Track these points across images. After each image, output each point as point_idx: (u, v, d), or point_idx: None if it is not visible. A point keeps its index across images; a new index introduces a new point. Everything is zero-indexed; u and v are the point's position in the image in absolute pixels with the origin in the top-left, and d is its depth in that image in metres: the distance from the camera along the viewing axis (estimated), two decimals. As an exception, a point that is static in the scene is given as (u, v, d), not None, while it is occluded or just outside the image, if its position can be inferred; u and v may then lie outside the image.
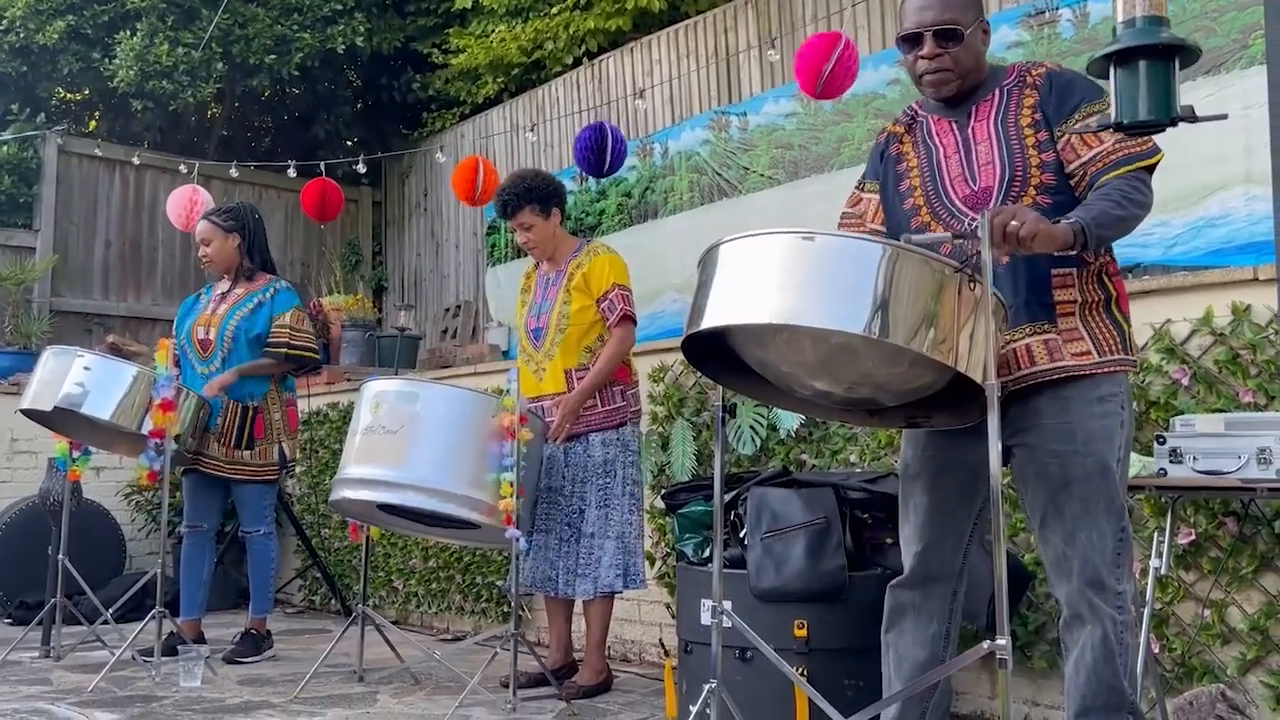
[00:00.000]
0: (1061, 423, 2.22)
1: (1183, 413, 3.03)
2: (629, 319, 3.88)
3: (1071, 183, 2.25)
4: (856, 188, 2.56)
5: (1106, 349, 2.24)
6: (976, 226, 1.98)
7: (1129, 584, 2.24)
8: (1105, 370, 2.23)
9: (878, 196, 2.48)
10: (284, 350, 4.61)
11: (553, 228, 3.96)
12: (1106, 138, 2.19)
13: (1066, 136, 2.23)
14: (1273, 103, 1.39)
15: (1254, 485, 2.61)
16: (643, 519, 3.98)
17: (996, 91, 2.34)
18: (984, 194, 2.27)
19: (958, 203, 2.30)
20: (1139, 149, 2.18)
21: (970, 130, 2.33)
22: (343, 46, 7.94)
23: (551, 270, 3.99)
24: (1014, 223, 1.97)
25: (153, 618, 4.08)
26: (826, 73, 4.42)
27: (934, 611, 2.41)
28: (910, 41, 2.33)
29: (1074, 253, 2.08)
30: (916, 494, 2.40)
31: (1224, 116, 1.71)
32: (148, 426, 4.11)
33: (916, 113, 2.46)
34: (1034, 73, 2.34)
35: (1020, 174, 2.25)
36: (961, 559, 2.40)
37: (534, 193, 3.90)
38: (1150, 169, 2.20)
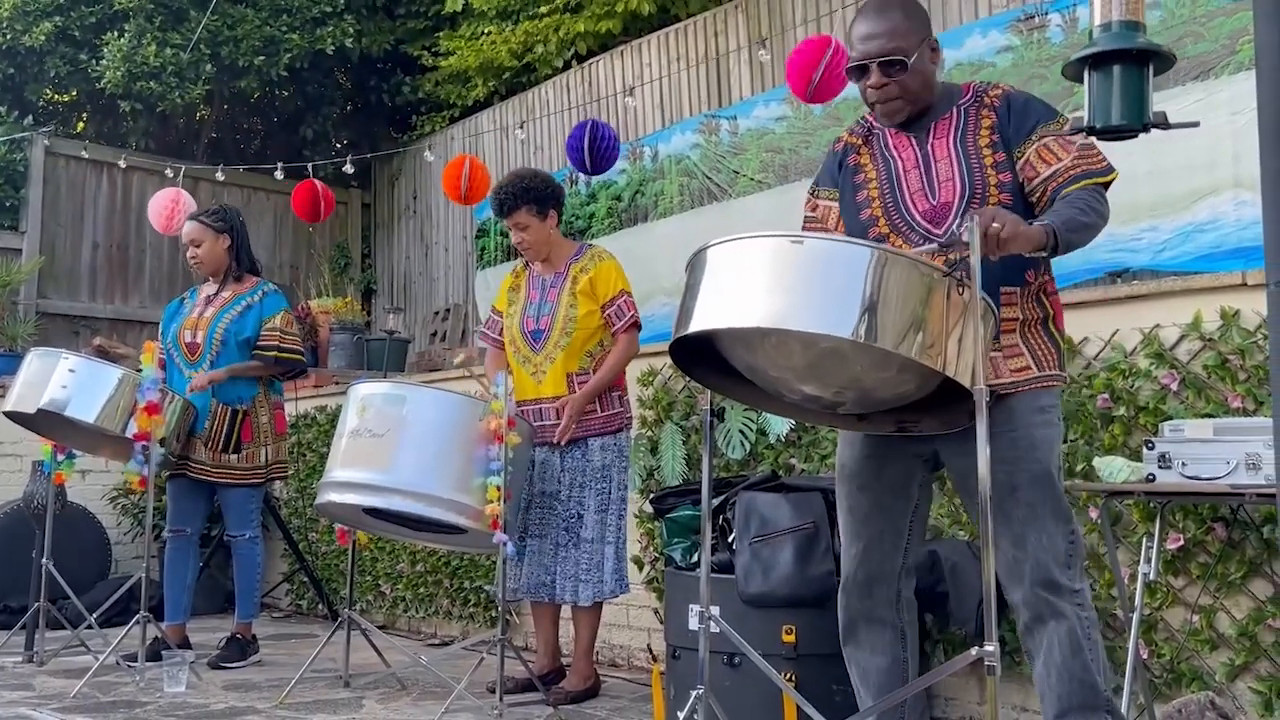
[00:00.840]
0: (1006, 431, 2.27)
1: (1171, 418, 3.02)
2: (636, 326, 3.88)
3: (1032, 200, 2.30)
4: (810, 194, 2.58)
5: (1045, 364, 2.32)
6: (965, 231, 1.98)
7: (1083, 583, 2.29)
8: (1043, 385, 2.31)
9: (836, 205, 2.50)
10: (274, 353, 4.59)
11: (549, 229, 3.93)
12: (1064, 156, 2.26)
13: (1025, 155, 2.29)
14: (1261, 107, 1.38)
15: (1243, 491, 2.61)
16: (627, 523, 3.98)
17: (954, 110, 2.39)
18: (943, 209, 2.32)
19: (917, 216, 2.34)
20: (1096, 166, 2.26)
21: (930, 146, 2.37)
22: (332, 48, 7.92)
23: (548, 272, 3.96)
24: (995, 224, 2.00)
25: (137, 622, 4.05)
26: (817, 79, 4.42)
27: (883, 615, 2.46)
28: (857, 72, 2.36)
29: (1044, 254, 2.14)
30: (853, 494, 2.45)
31: (1195, 124, 1.70)
32: (132, 429, 4.08)
33: (872, 125, 2.49)
34: (991, 94, 2.38)
35: (980, 192, 2.29)
36: (901, 558, 2.45)
37: (531, 193, 3.87)
38: (1106, 185, 2.27)
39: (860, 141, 2.48)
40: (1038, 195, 2.28)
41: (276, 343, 4.60)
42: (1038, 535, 2.24)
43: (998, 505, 2.25)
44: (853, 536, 2.45)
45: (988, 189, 2.29)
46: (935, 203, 2.33)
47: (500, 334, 4.05)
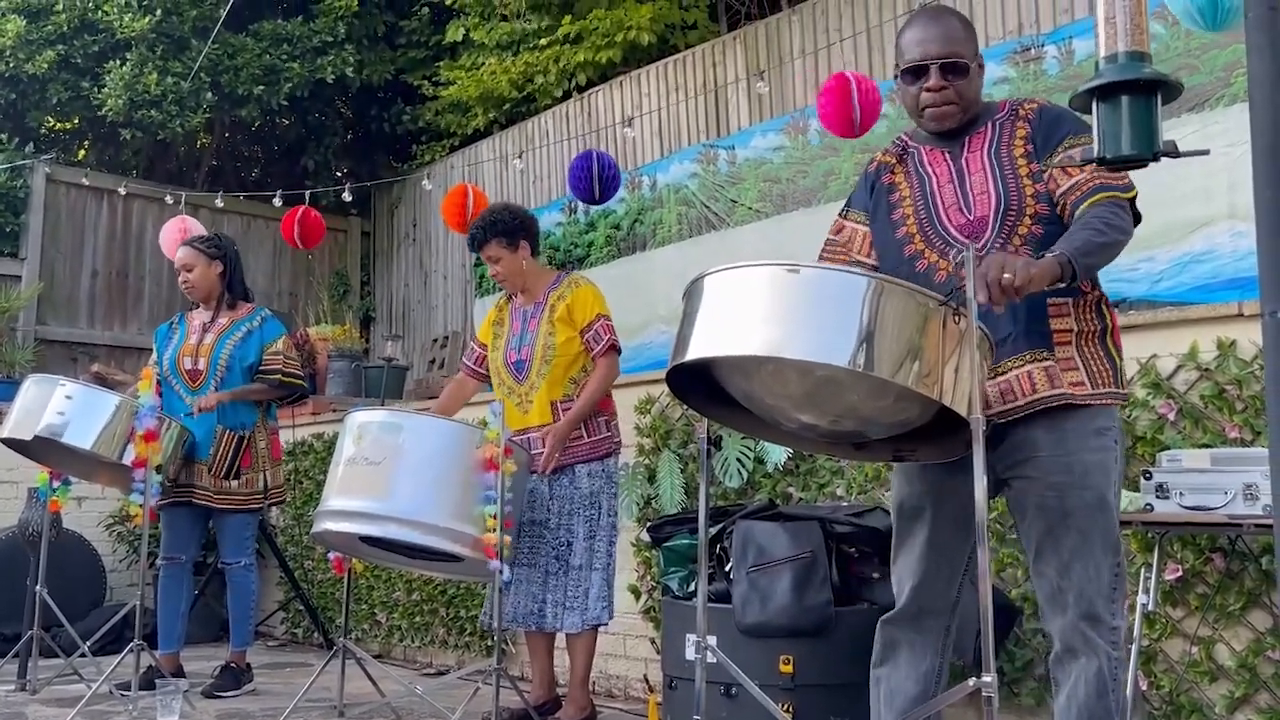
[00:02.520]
0: (1059, 455, 2.20)
1: (1169, 448, 3.02)
2: (615, 349, 3.89)
3: (1056, 210, 2.26)
4: (840, 215, 2.55)
5: (1100, 381, 2.24)
6: (962, 261, 1.98)
7: (1123, 620, 2.23)
8: (1100, 402, 2.23)
9: (865, 227, 2.48)
10: (278, 377, 4.61)
11: (521, 260, 3.97)
12: (1084, 169, 2.21)
13: (1049, 170, 2.25)
14: (1255, 137, 1.39)
15: (1241, 521, 2.60)
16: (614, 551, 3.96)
17: (989, 125, 2.36)
18: (979, 222, 2.28)
19: (952, 230, 2.30)
20: (1115, 182, 2.20)
21: (964, 160, 2.34)
22: (332, 77, 7.97)
23: (528, 303, 3.99)
24: (1006, 275, 1.96)
25: (130, 651, 4.02)
26: (859, 114, 4.47)
27: (927, 647, 2.39)
28: (914, 74, 2.33)
29: (1063, 285, 2.08)
30: (913, 530, 2.37)
31: (1206, 152, 1.72)
32: (129, 456, 4.07)
33: (907, 143, 2.46)
34: (1026, 106, 2.36)
35: (1016, 203, 2.26)
36: (955, 593, 2.38)
37: (499, 225, 3.92)
38: (1127, 201, 2.21)
39: (895, 160, 2.46)
40: (1059, 208, 2.25)
41: (280, 366, 4.63)
42: (1084, 566, 2.18)
43: (1048, 531, 2.21)
44: (909, 571, 2.38)
45: (1024, 200, 2.25)
46: (971, 216, 2.29)
47: (476, 363, 4.09)
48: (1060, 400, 2.21)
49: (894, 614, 2.42)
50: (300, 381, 4.72)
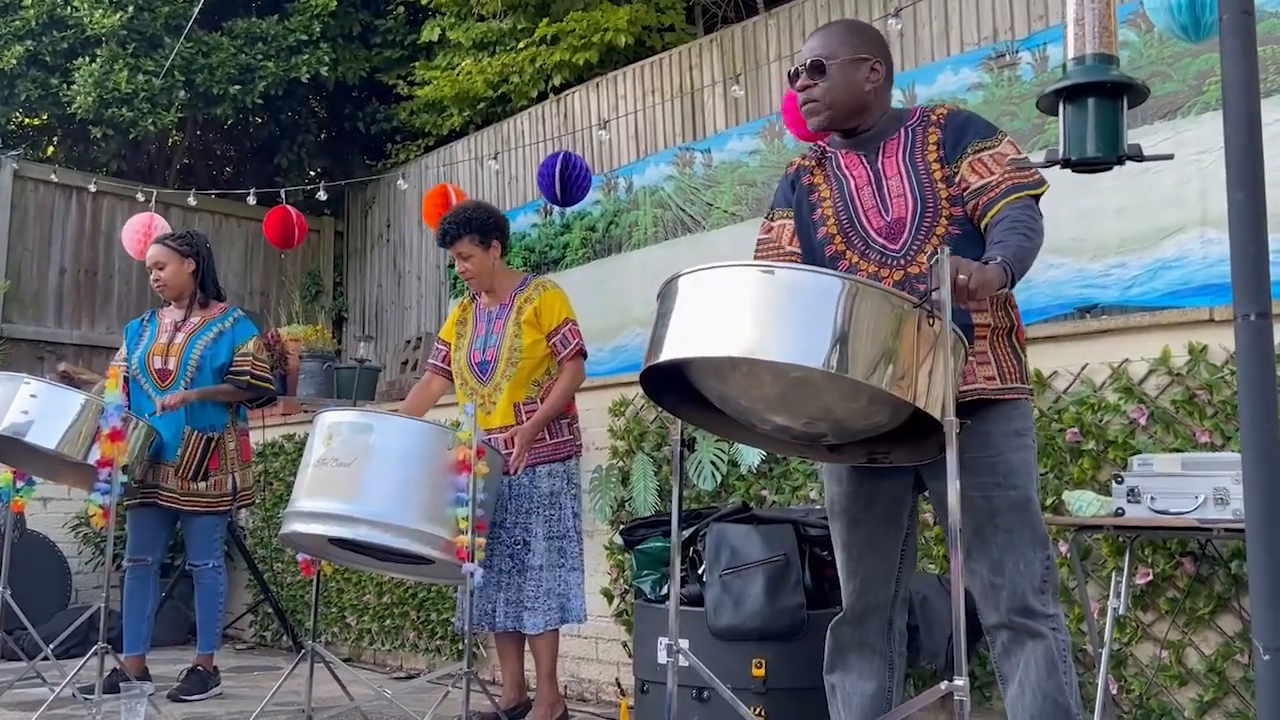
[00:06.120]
0: (983, 456, 2.26)
1: (1140, 452, 3.03)
2: (581, 353, 3.89)
3: (966, 209, 2.32)
4: (765, 218, 2.61)
5: (1009, 375, 2.30)
6: (937, 261, 1.97)
7: (1057, 608, 2.28)
8: (1010, 396, 2.29)
9: (791, 222, 2.52)
10: (247, 378, 4.56)
11: (492, 259, 3.96)
12: (995, 169, 2.28)
13: (959, 169, 2.32)
14: (1228, 140, 1.39)
15: (1211, 525, 2.62)
16: (583, 551, 3.95)
17: (902, 131, 2.42)
18: (897, 224, 2.34)
19: (871, 232, 2.36)
20: (1026, 179, 2.26)
21: (880, 165, 2.40)
22: (307, 76, 7.91)
23: (494, 304, 3.98)
24: (961, 277, 2.00)
25: (94, 654, 3.96)
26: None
27: (874, 644, 2.44)
28: (792, 79, 2.47)
29: (1005, 290, 2.13)
30: (846, 530, 2.44)
31: (1170, 156, 1.73)
32: (95, 456, 4.01)
33: (825, 149, 2.53)
34: (936, 113, 2.43)
35: (931, 206, 2.32)
36: (895, 587, 2.43)
37: (473, 223, 3.90)
38: (1037, 198, 2.27)
39: (813, 164, 2.52)
40: (969, 206, 2.30)
41: (249, 368, 4.58)
42: (1015, 562, 2.23)
43: (976, 530, 2.25)
44: (849, 573, 2.44)
45: (939, 202, 2.32)
46: (889, 219, 2.34)
47: (444, 361, 4.07)
48: (975, 395, 2.26)
49: (840, 617, 2.47)
50: (268, 384, 4.67)
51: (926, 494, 2.40)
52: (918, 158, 2.37)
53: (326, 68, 7.98)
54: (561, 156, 5.32)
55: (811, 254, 2.44)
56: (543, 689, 3.84)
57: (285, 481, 6.07)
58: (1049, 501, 3.19)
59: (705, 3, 7.59)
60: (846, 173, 2.44)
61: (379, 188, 8.66)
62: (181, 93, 7.50)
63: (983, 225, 2.28)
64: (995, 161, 2.29)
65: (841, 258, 2.37)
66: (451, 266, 7.69)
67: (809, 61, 2.41)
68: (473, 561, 3.44)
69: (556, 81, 7.23)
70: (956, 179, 2.32)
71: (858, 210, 2.39)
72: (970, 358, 2.26)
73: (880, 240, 2.34)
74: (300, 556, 3.96)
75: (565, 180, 5.23)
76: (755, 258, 2.55)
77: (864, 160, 2.43)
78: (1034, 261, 2.22)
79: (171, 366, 4.50)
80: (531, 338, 3.84)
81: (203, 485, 4.50)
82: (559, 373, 3.87)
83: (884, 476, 2.37)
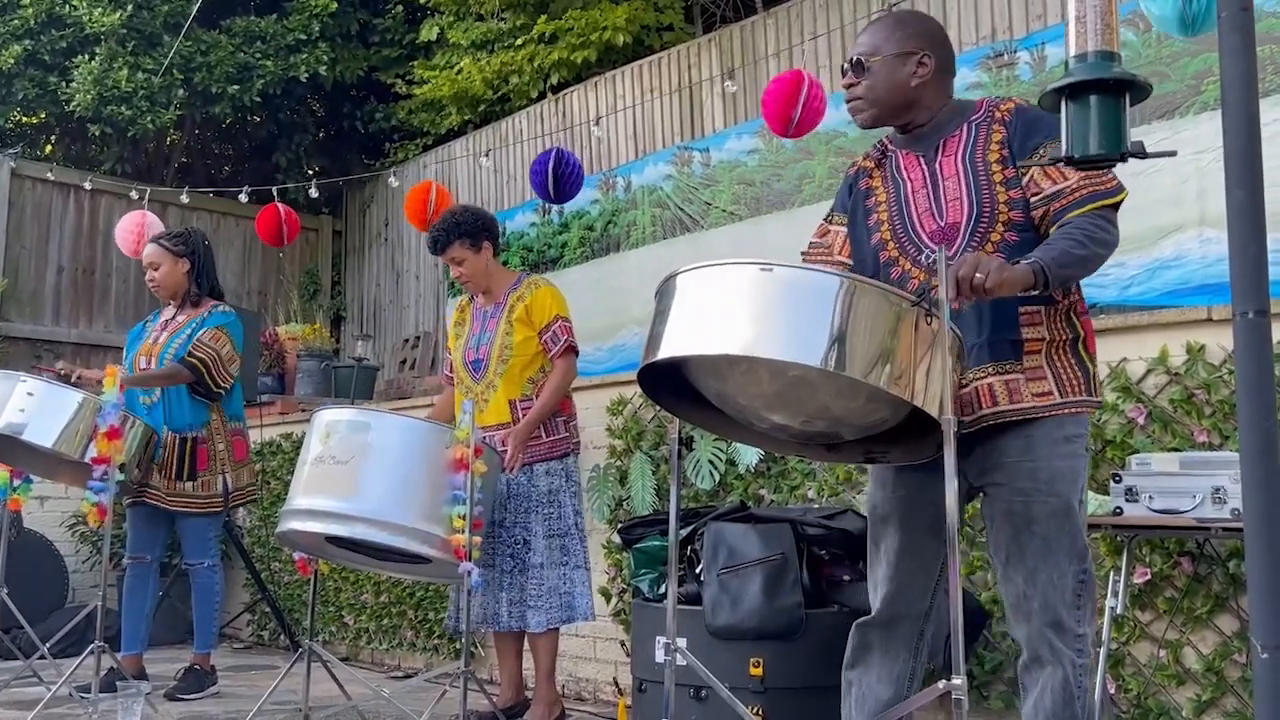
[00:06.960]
0: (1025, 462, 2.19)
1: (1138, 451, 3.03)
2: (572, 350, 3.90)
3: (1034, 215, 2.22)
4: (825, 220, 2.55)
5: (1070, 389, 2.21)
6: (934, 261, 1.97)
7: (1089, 627, 2.21)
8: (1068, 411, 2.20)
9: (845, 229, 2.47)
10: (184, 356, 4.42)
11: (484, 261, 3.98)
12: (1071, 174, 2.17)
13: (1029, 172, 2.22)
14: (1227, 138, 1.39)
15: (1209, 525, 2.62)
16: (588, 548, 3.95)
17: (965, 127, 2.33)
18: (951, 229, 2.25)
19: (925, 237, 2.29)
20: (1103, 187, 2.16)
21: (938, 165, 2.32)
22: (306, 75, 7.90)
23: (489, 303, 4.00)
24: (978, 275, 1.95)
25: (91, 652, 3.95)
26: (798, 116, 4.43)
27: (900, 650, 2.37)
28: (843, 75, 2.43)
29: (1035, 293, 2.07)
30: (887, 535, 2.36)
31: (1173, 153, 1.72)
32: (91, 454, 4.00)
33: (887, 147, 2.45)
34: (1002, 108, 2.32)
35: (988, 211, 2.23)
36: (930, 599, 2.36)
37: (462, 227, 3.93)
38: (1115, 207, 2.18)
39: (873, 165, 2.44)
40: (1040, 212, 2.21)
41: (193, 349, 4.43)
42: (1049, 572, 2.16)
43: (1014, 537, 2.19)
44: (883, 579, 2.36)
45: (996, 207, 2.22)
46: (943, 223, 2.27)
47: (450, 369, 4.13)
48: (1018, 415, 2.19)
49: (868, 618, 2.40)
50: (201, 364, 4.44)
51: (981, 506, 2.32)
52: (978, 157, 2.28)
53: (325, 67, 7.97)
54: (554, 153, 5.31)
55: (865, 261, 2.37)
56: (541, 688, 3.83)
57: (283, 480, 6.06)
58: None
59: (704, 2, 7.59)
60: (904, 175, 2.36)
61: (377, 187, 8.65)
62: (180, 91, 7.49)
63: (1051, 233, 2.18)
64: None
65: (895, 264, 2.30)
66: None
67: (853, 59, 2.36)
68: (470, 560, 3.43)
69: (555, 80, 7.22)
70: (1025, 181, 2.22)
71: (912, 215, 2.32)
72: (1018, 374, 2.20)
73: (933, 246, 2.25)
74: (297, 555, 3.96)
75: (558, 177, 5.22)
76: (803, 257, 2.50)
77: (921, 161, 2.34)
78: (1088, 273, 2.14)
79: (151, 365, 4.49)
80: (523, 334, 3.85)
81: (189, 486, 4.48)
82: (551, 370, 3.88)
83: (931, 484, 2.23)
